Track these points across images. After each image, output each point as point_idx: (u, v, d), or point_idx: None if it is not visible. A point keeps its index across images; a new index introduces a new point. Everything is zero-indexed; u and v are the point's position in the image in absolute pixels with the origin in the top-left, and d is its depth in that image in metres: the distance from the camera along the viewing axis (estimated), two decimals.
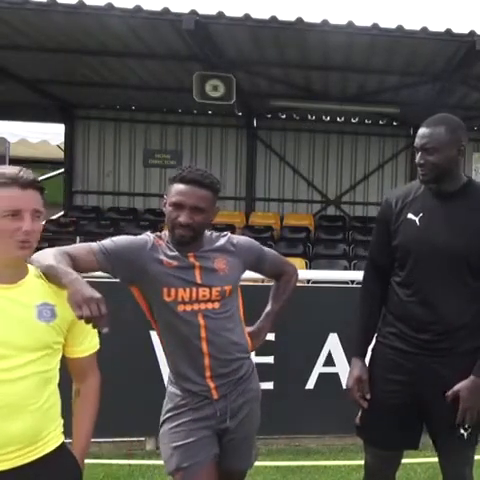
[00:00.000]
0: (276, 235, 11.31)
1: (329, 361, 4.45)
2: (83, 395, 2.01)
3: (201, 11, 7.25)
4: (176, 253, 2.31)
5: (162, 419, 2.44)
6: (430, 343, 2.39)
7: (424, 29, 7.49)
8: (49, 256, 1.98)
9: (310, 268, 9.34)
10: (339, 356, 4.40)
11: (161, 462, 4.04)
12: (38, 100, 11.24)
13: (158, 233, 2.39)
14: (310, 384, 4.47)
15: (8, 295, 1.77)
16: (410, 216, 2.43)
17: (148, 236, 2.35)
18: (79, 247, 2.20)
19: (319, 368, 4.46)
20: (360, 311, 2.59)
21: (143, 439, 4.43)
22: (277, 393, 4.14)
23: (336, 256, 10.46)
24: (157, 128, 12.19)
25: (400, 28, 7.47)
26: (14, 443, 1.75)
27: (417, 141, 2.39)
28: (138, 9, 7.26)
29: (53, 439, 1.87)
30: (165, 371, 4.23)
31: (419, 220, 2.41)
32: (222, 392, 2.38)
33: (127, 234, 2.39)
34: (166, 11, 7.29)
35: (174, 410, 2.40)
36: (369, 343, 2.59)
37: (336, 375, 4.37)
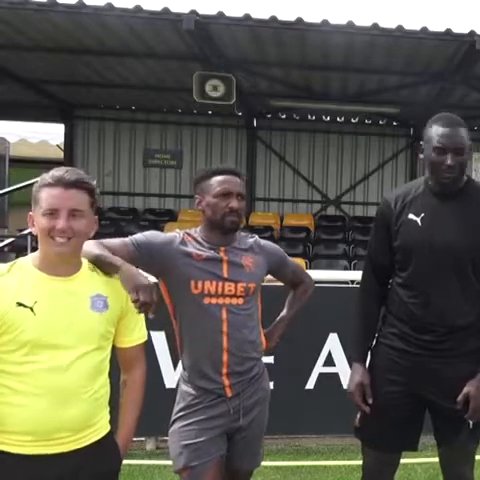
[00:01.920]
0: (276, 235, 11.31)
1: (329, 361, 4.45)
2: (129, 386, 2.12)
3: (201, 11, 7.27)
4: (207, 246, 2.40)
5: (173, 418, 2.46)
6: (433, 344, 2.38)
7: (424, 29, 7.50)
8: (93, 247, 2.09)
9: (310, 268, 9.33)
10: (339, 356, 4.40)
11: (161, 462, 4.07)
12: (38, 100, 11.23)
13: (188, 230, 2.48)
14: (310, 384, 4.47)
15: (64, 287, 1.89)
16: (411, 216, 2.40)
17: (178, 233, 2.45)
18: (112, 241, 2.29)
19: (319, 368, 4.46)
20: (359, 313, 2.56)
21: (143, 439, 4.44)
22: (277, 393, 4.12)
23: (336, 256, 10.46)
24: (157, 128, 12.18)
25: (400, 28, 7.48)
26: (66, 429, 1.86)
27: (445, 141, 2.31)
28: (138, 9, 7.26)
29: (101, 427, 1.98)
30: (165, 371, 4.24)
31: (421, 220, 2.38)
32: (236, 390, 2.41)
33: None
34: (166, 11, 7.30)
35: (186, 409, 2.42)
36: (369, 345, 2.56)
37: (336, 375, 4.37)
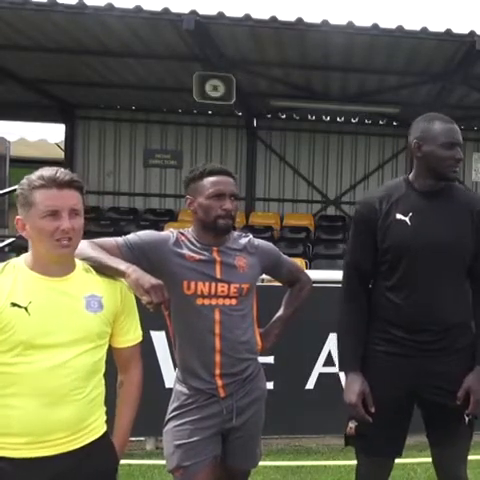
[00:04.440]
0: (276, 235, 11.31)
1: (329, 361, 4.45)
2: (125, 387, 2.11)
3: (201, 11, 7.27)
4: (200, 247, 2.38)
5: (167, 417, 2.46)
6: (427, 344, 2.37)
7: (424, 29, 7.51)
8: (88, 249, 2.07)
9: (310, 268, 9.33)
10: None
11: (161, 462, 4.07)
12: (38, 100, 11.23)
13: (181, 230, 2.45)
14: (310, 384, 4.47)
15: (58, 287, 1.87)
16: (399, 216, 2.37)
17: (171, 232, 2.43)
18: (105, 240, 2.27)
19: (319, 368, 4.46)
20: (347, 321, 2.48)
21: (143, 439, 4.44)
22: (277, 393, 4.13)
23: (336, 256, 10.45)
24: (157, 128, 12.18)
25: (400, 28, 7.49)
26: (60, 430, 1.84)
27: (455, 136, 2.36)
28: (138, 9, 7.27)
29: (97, 428, 1.96)
30: (165, 371, 4.24)
31: (409, 220, 2.36)
32: (229, 390, 2.41)
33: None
34: (166, 11, 7.30)
35: (180, 409, 2.42)
36: (361, 353, 2.46)
37: (336, 375, 4.35)
